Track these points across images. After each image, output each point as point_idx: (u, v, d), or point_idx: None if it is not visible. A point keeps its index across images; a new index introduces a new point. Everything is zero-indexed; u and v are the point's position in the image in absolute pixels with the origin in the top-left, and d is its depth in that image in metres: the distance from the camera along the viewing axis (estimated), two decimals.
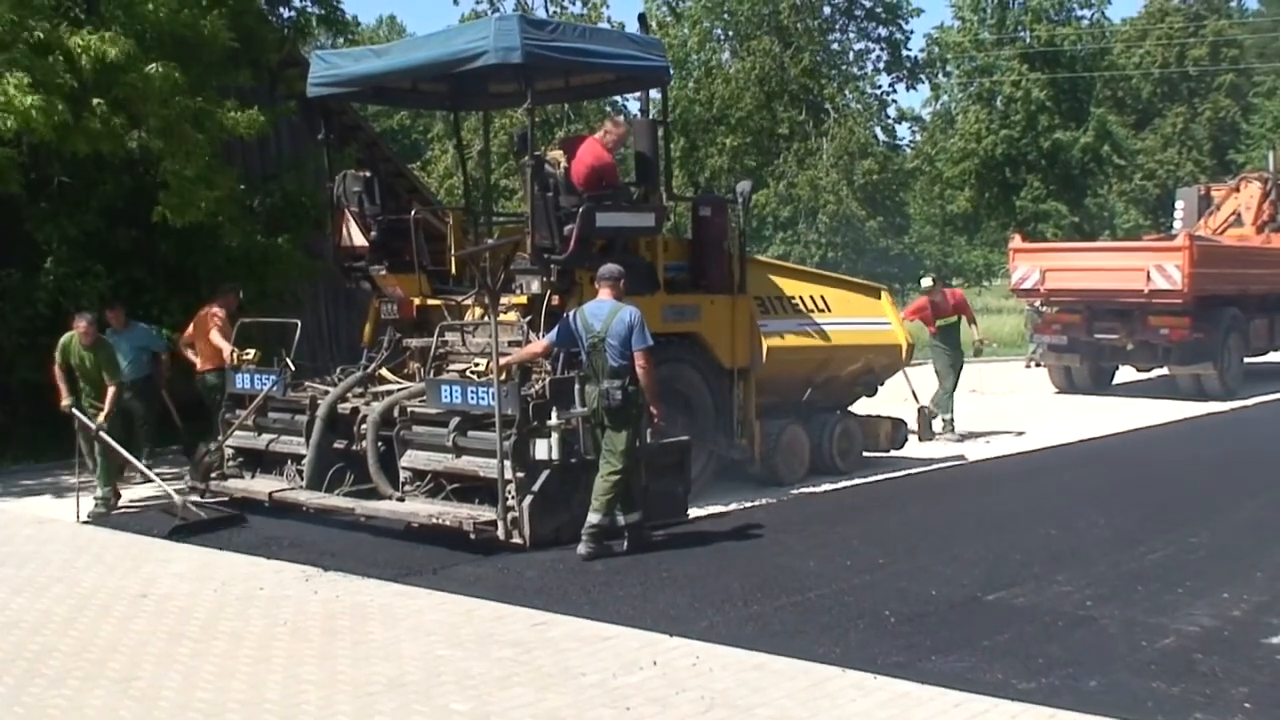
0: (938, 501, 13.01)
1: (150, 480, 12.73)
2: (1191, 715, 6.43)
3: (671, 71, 15.06)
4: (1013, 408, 20.64)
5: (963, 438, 17.40)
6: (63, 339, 12.85)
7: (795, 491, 13.25)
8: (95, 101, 13.49)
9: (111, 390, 12.53)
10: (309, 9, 18.83)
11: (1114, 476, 14.46)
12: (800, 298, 14.22)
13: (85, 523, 12.29)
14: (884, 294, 15.69)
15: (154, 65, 13.38)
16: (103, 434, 12.40)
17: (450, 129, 45.31)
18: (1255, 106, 62.07)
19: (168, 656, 7.76)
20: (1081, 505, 12.23)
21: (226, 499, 12.68)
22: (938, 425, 17.36)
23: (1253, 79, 64.47)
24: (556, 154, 12.36)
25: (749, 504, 12.60)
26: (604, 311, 10.53)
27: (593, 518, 10.29)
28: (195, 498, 12.36)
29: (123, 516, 12.52)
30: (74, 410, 12.68)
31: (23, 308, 15.64)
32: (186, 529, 11.44)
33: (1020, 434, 17.94)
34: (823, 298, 14.48)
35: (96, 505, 12.59)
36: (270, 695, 6.98)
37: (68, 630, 8.44)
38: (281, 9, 18.53)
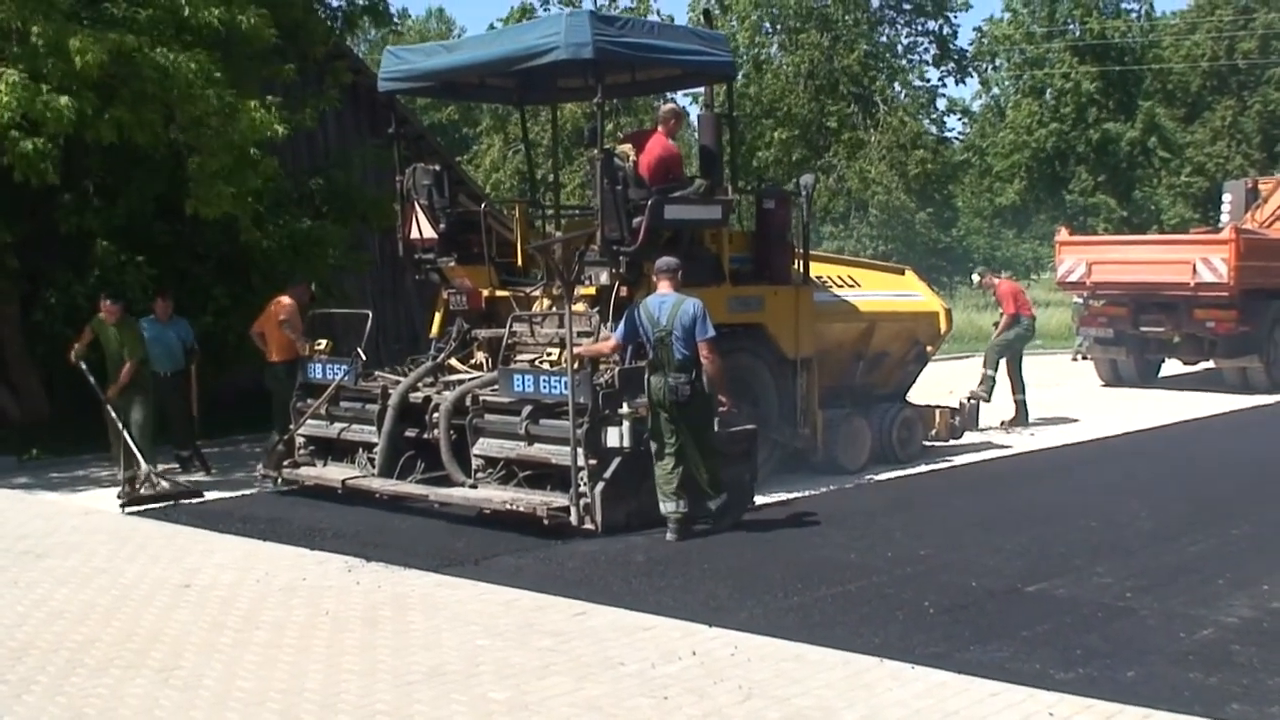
0: (981, 493, 12.99)
1: (136, 460, 12.84)
2: (1228, 706, 6.40)
3: (736, 67, 15.26)
4: (1059, 400, 20.52)
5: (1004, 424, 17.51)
6: (94, 319, 13.63)
7: (855, 481, 13.34)
8: (121, 91, 13.56)
9: (128, 366, 12.80)
10: (356, 0, 18.90)
11: (1158, 469, 14.38)
12: (828, 277, 14.50)
13: (128, 511, 12.38)
14: (908, 271, 16.09)
15: (179, 57, 13.43)
16: (109, 409, 12.65)
17: (499, 123, 45.64)
18: None
19: (209, 646, 7.83)
20: (1124, 497, 12.18)
21: (297, 486, 13.00)
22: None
23: None
24: (625, 148, 12.63)
25: (807, 493, 12.67)
26: (667, 304, 10.69)
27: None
28: (161, 471, 13.06)
29: (171, 508, 12.54)
30: (82, 365, 13.17)
31: (66, 299, 15.78)
32: (141, 499, 12.14)
33: (1066, 426, 17.87)
34: (850, 276, 14.87)
35: (124, 485, 12.76)
36: (310, 685, 7.03)
37: (110, 620, 8.52)
38: (330, 0, 18.61)
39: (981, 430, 16.49)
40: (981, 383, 17.91)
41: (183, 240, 16.70)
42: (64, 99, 12.84)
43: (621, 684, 6.88)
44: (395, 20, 23.18)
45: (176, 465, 14.64)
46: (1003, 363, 18.02)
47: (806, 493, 12.69)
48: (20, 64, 12.96)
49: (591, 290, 12.43)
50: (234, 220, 15.31)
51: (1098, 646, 7.41)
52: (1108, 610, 8.21)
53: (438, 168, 14.26)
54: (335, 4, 18.78)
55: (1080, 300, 25.52)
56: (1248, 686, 6.69)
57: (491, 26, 47.43)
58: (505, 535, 10.79)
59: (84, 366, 13.16)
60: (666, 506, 10.57)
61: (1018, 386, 17.98)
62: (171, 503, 12.44)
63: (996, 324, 18.56)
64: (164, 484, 12.54)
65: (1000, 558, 9.70)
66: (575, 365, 10.96)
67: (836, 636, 7.65)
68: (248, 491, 13.19)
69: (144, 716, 6.63)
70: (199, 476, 14.22)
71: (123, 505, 12.01)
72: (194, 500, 12.60)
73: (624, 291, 12.08)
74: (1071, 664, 7.08)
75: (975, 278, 18.90)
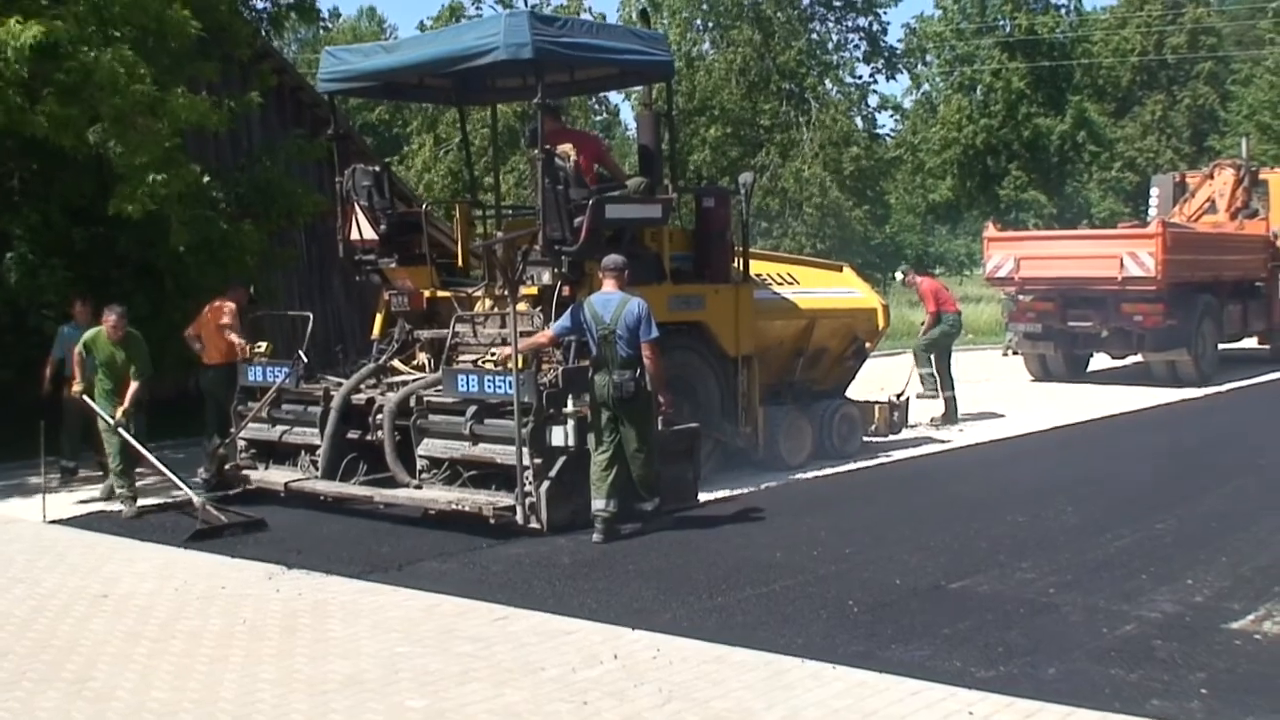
0: (908, 490, 13.00)
1: (170, 478, 12.27)
2: (1148, 702, 6.40)
3: (675, 66, 15.34)
4: (988, 395, 20.63)
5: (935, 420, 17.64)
6: (88, 334, 12.66)
7: (784, 479, 13.33)
8: (45, 91, 13.38)
9: (134, 386, 12.27)
10: (282, 1, 18.72)
11: (1085, 463, 14.45)
12: (768, 275, 14.61)
13: (132, 517, 12.18)
14: (846, 268, 16.27)
15: (105, 51, 13.24)
16: (121, 430, 12.22)
17: (429, 123, 45.43)
18: (1233, 94, 62.09)
19: (124, 657, 7.70)
20: (1051, 493, 12.22)
21: (240, 490, 12.78)
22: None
23: (1231, 67, 64.48)
24: (566, 147, 12.58)
25: (749, 489, 12.77)
26: (613, 303, 10.75)
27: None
28: (212, 501, 11.95)
29: (91, 516, 12.43)
30: (85, 399, 12.57)
31: None
32: (206, 533, 11.11)
33: (995, 422, 17.97)
34: (789, 274, 15.01)
35: (125, 506, 12.38)
36: (226, 694, 6.92)
37: (25, 631, 8.37)
38: (255, 1, 18.42)
39: (911, 427, 16.51)
40: (923, 382, 17.95)
41: (100, 245, 16.45)
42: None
43: (541, 689, 6.81)
44: (324, 18, 23.00)
45: (100, 472, 14.45)
46: (932, 359, 18.07)
47: (748, 489, 12.75)
48: None
49: (534, 290, 12.46)
50: (161, 221, 15.10)
51: (1019, 643, 7.41)
52: (1030, 606, 8.22)
53: (377, 168, 14.27)
54: (261, 6, 18.60)
55: (1010, 296, 25.69)
56: (1168, 682, 6.70)
57: (422, 26, 47.32)
58: (430, 540, 10.73)
59: (87, 399, 12.60)
60: (596, 504, 10.59)
61: (946, 383, 18.04)
62: (236, 534, 11.26)
63: (924, 322, 18.62)
64: (221, 519, 11.46)
65: (925, 555, 9.70)
66: (519, 364, 10.97)
67: (759, 637, 7.61)
68: (168, 499, 12.88)
69: None
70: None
71: (187, 541, 11.03)
72: (259, 531, 11.38)
73: (566, 290, 12.11)
74: (993, 661, 7.07)
75: (899, 276, 19.01)
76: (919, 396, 17.25)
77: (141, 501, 12.50)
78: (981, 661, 7.07)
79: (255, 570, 9.85)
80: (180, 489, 12.06)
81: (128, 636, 8.15)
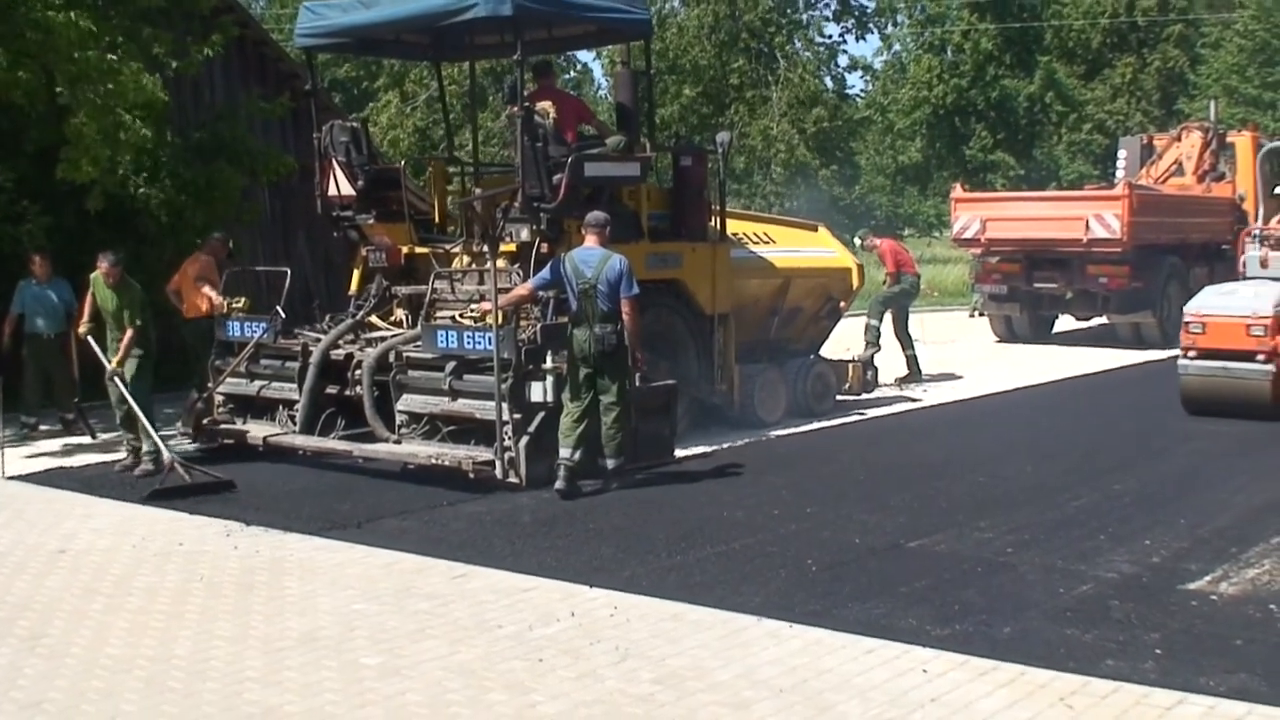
0: (871, 449, 13.01)
1: (151, 436, 11.93)
2: (1103, 662, 6.42)
3: (654, 24, 15.36)
4: (953, 357, 20.68)
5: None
6: (92, 275, 12.38)
7: (749, 438, 13.33)
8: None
9: (129, 333, 11.97)
10: None
11: (1047, 424, 14.53)
12: (744, 234, 14.65)
13: (122, 470, 12.08)
14: (821, 228, 16.30)
15: (60, 15, 13.09)
16: (115, 379, 12.01)
17: (396, 80, 45.09)
18: (1202, 58, 62.14)
19: (79, 613, 7.64)
20: (1012, 453, 12.30)
21: (218, 445, 12.79)
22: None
23: (1200, 30, 64.52)
24: (545, 105, 12.66)
25: (725, 445, 12.85)
26: (594, 258, 10.81)
27: (610, 464, 10.85)
28: (181, 460, 11.64)
29: (51, 472, 12.34)
30: (90, 340, 12.36)
31: None
32: (166, 493, 10.95)
33: (959, 382, 18.04)
34: (765, 233, 15.08)
35: (126, 456, 12.26)
36: (179, 651, 6.88)
37: None
38: None
39: (877, 386, 16.55)
40: (865, 332, 18.01)
41: (75, 194, 16.32)
42: None
43: (496, 646, 6.79)
44: None
45: (60, 427, 14.40)
46: (888, 318, 18.08)
47: (723, 446, 12.82)
48: None
49: (512, 247, 12.49)
50: (117, 183, 15.01)
51: (975, 602, 7.44)
52: (988, 565, 8.25)
53: (356, 124, 14.27)
54: None
55: (976, 257, 25.73)
56: (1123, 642, 6.73)
57: None
58: (391, 497, 10.72)
59: (91, 340, 12.35)
60: (563, 453, 10.68)
61: (906, 343, 18.07)
62: (199, 497, 11.00)
63: (884, 282, 18.63)
64: (187, 476, 11.28)
65: (884, 514, 9.72)
66: (500, 320, 11.00)
67: (716, 596, 7.62)
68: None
69: (4, 686, 6.44)
70: (84, 439, 13.96)
71: (146, 498, 10.92)
72: (226, 492, 11.11)
73: (545, 248, 12.13)
74: (948, 620, 7.09)
75: (858, 241, 18.96)
76: (859, 358, 17.31)
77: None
78: (937, 620, 7.09)
79: (214, 527, 9.79)
80: (157, 445, 11.83)
81: (83, 592, 8.10)
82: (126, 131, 14.06)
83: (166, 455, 11.56)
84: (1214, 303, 14.22)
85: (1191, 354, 14.06)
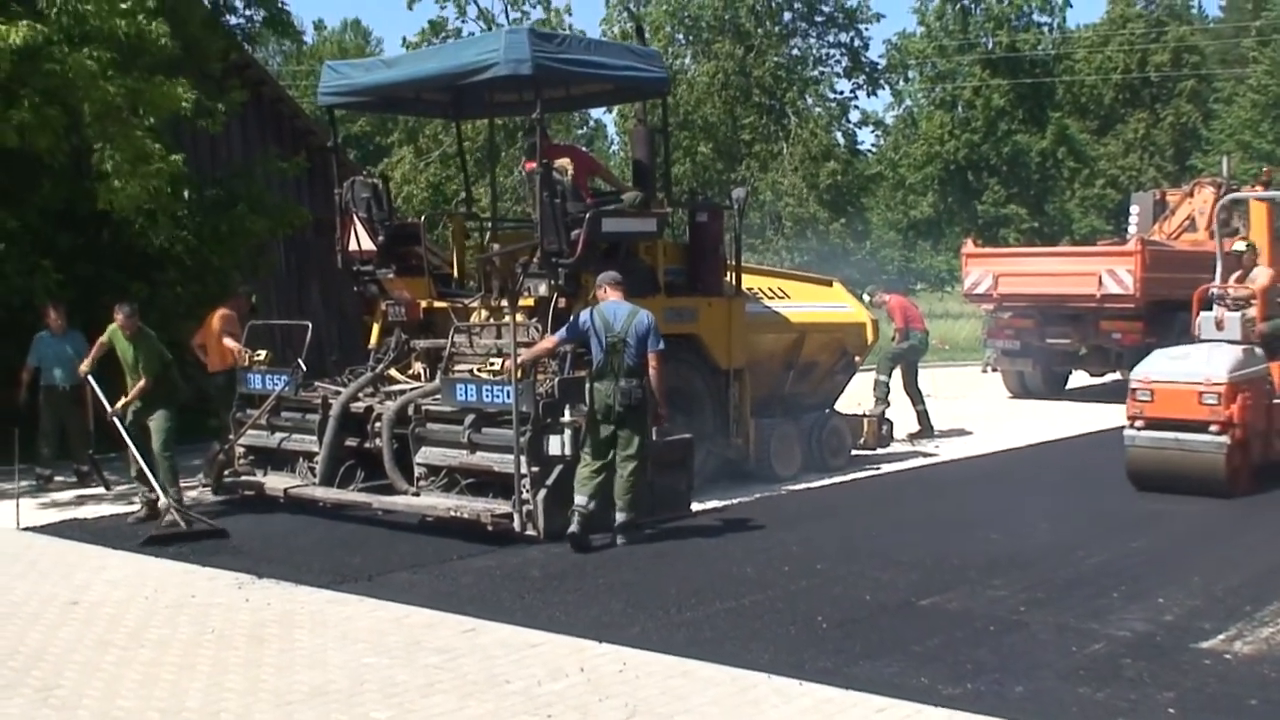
0: (882, 505, 13.03)
1: (147, 476, 12.05)
2: None
3: (670, 82, 15.60)
4: (966, 412, 20.65)
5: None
6: (110, 327, 12.46)
7: (763, 493, 13.35)
8: (22, 92, 13.37)
9: (140, 383, 12.08)
10: (255, 17, 18.76)
11: (1060, 481, 14.46)
12: (759, 289, 14.78)
13: (135, 522, 12.10)
14: (835, 283, 16.42)
15: (83, 52, 13.27)
16: (115, 420, 12.09)
17: (410, 135, 45.37)
18: (1216, 113, 62.40)
19: (92, 665, 7.66)
20: (1025, 510, 12.26)
21: (239, 496, 12.96)
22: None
23: (1213, 85, 64.82)
24: (564, 162, 12.84)
25: (733, 501, 12.86)
26: (623, 312, 10.93)
27: (620, 517, 10.80)
28: (178, 507, 11.74)
29: (66, 524, 12.35)
30: (89, 379, 12.47)
31: None
32: (161, 539, 11.06)
33: (971, 438, 18.02)
34: (780, 288, 15.21)
35: (141, 509, 12.30)
36: (191, 703, 6.89)
37: None
38: (228, 16, 18.41)
39: (893, 441, 16.54)
40: (874, 388, 18.06)
41: (91, 246, 16.43)
42: None
43: (506, 702, 6.79)
44: (303, 33, 23.10)
45: (75, 478, 14.44)
46: (897, 374, 18.13)
47: (738, 500, 12.86)
48: None
49: (531, 301, 12.67)
50: (150, 217, 15.12)
51: (988, 661, 7.41)
52: (1000, 624, 8.21)
53: (376, 180, 14.48)
54: (235, 22, 18.61)
55: (988, 312, 25.73)
56: (1136, 701, 6.70)
57: (404, 39, 47.28)
58: (402, 551, 10.75)
59: (91, 380, 12.51)
60: (578, 500, 10.72)
61: (916, 399, 18.12)
62: (195, 544, 11.08)
63: (893, 338, 18.65)
64: (184, 523, 11.41)
65: (896, 571, 9.69)
66: (519, 374, 11.09)
67: (726, 652, 7.59)
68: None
69: None
70: (98, 491, 13.99)
71: (143, 544, 11.04)
72: (219, 540, 11.26)
73: (562, 303, 12.30)
74: (960, 679, 7.06)
75: (866, 296, 18.99)
76: (876, 405, 17.51)
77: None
78: (949, 679, 7.06)
79: (226, 579, 9.81)
80: (155, 490, 11.93)
81: (96, 644, 8.12)
82: (156, 160, 14.17)
83: (163, 501, 11.67)
84: (1163, 368, 13.12)
85: (1139, 424, 12.93)
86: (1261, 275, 14.11)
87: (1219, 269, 14.32)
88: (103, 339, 12.51)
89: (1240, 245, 14.89)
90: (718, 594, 9.04)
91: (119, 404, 12.16)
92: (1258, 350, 13.25)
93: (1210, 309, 13.83)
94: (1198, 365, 12.85)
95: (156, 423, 12.17)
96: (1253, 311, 13.58)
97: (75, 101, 13.64)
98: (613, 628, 8.21)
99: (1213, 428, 12.48)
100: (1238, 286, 14.04)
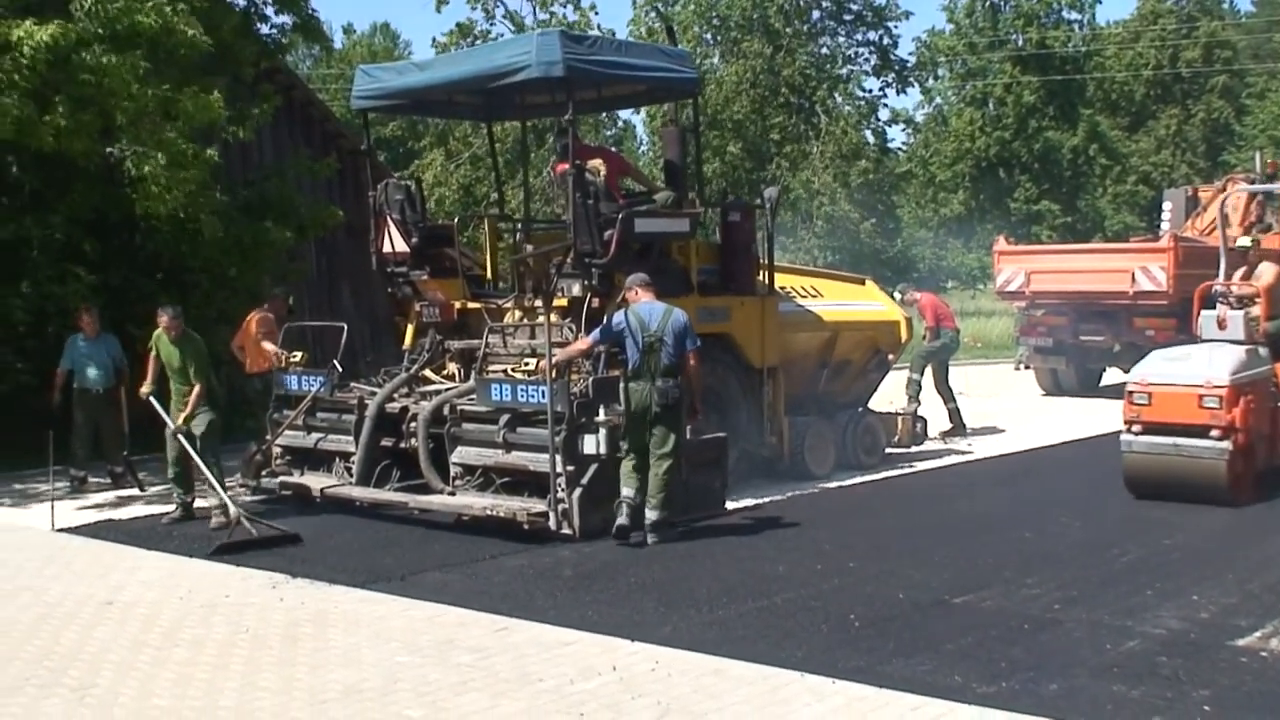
0: (914, 503, 13.00)
1: (215, 489, 11.96)
2: (1150, 719, 6.38)
3: (700, 82, 15.66)
4: (999, 410, 20.59)
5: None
6: (156, 333, 12.48)
7: (792, 492, 13.33)
8: (56, 97, 13.46)
9: (196, 390, 12.09)
10: (286, 25, 18.86)
11: (1093, 479, 14.31)
12: (792, 288, 14.82)
13: (170, 523, 12.19)
14: (868, 281, 16.51)
15: (113, 58, 13.35)
16: (179, 437, 12.10)
17: (440, 138, 45.47)
18: (1248, 108, 62.04)
19: (127, 664, 7.71)
20: (1058, 508, 12.20)
21: (276, 495, 13.13)
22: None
23: (1245, 80, 64.45)
24: (596, 163, 12.88)
25: (767, 499, 12.84)
26: (658, 312, 11.00)
27: (652, 515, 10.82)
28: (248, 516, 11.56)
29: (101, 525, 12.44)
30: (152, 400, 12.43)
31: (3, 314, 15.56)
32: (232, 547, 10.90)
33: (1004, 436, 17.98)
34: (813, 287, 15.25)
35: (176, 510, 12.39)
36: (225, 702, 6.93)
37: (30, 638, 8.37)
38: (259, 25, 18.49)
39: (926, 439, 16.53)
40: (908, 386, 18.05)
41: (122, 252, 16.51)
42: (10, 101, 12.74)
43: (538, 700, 6.80)
44: (332, 39, 23.19)
45: (109, 480, 14.52)
46: (928, 373, 18.11)
47: (771, 498, 12.86)
48: None
49: (564, 302, 12.76)
50: (185, 221, 15.20)
51: (1022, 659, 7.38)
52: (1034, 622, 8.18)
53: (410, 183, 14.58)
54: (266, 31, 18.69)
55: (1020, 310, 25.64)
56: (1171, 699, 6.66)
57: (433, 40, 47.35)
58: (434, 551, 10.79)
59: (154, 401, 12.40)
60: (625, 492, 10.84)
61: (947, 397, 18.09)
62: (265, 550, 10.92)
63: (924, 336, 18.61)
64: (254, 530, 11.21)
65: (929, 569, 9.67)
66: (553, 374, 11.15)
67: (758, 651, 7.58)
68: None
69: None
70: (132, 492, 14.07)
71: (212, 554, 10.82)
72: (292, 546, 11.09)
73: (596, 302, 12.37)
74: (995, 677, 7.04)
75: (898, 295, 18.94)
76: (908, 403, 17.59)
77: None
78: (983, 677, 7.04)
79: (260, 579, 9.86)
80: (224, 500, 11.79)
81: (131, 644, 8.17)
82: (190, 161, 14.26)
83: (233, 510, 11.53)
84: (1162, 370, 12.37)
85: (1136, 429, 12.26)
86: (1267, 272, 13.50)
87: (1222, 265, 13.76)
88: (150, 349, 12.54)
89: (1245, 240, 14.57)
90: (750, 592, 9.04)
91: (179, 419, 12.12)
92: (1262, 351, 12.65)
93: (1213, 307, 13.25)
94: (1198, 366, 12.17)
95: (200, 427, 12.21)
96: (1257, 310, 13.04)
97: (109, 107, 13.71)
98: (645, 626, 8.21)
99: (1214, 433, 11.81)
100: (1242, 284, 13.45)
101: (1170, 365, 12.42)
